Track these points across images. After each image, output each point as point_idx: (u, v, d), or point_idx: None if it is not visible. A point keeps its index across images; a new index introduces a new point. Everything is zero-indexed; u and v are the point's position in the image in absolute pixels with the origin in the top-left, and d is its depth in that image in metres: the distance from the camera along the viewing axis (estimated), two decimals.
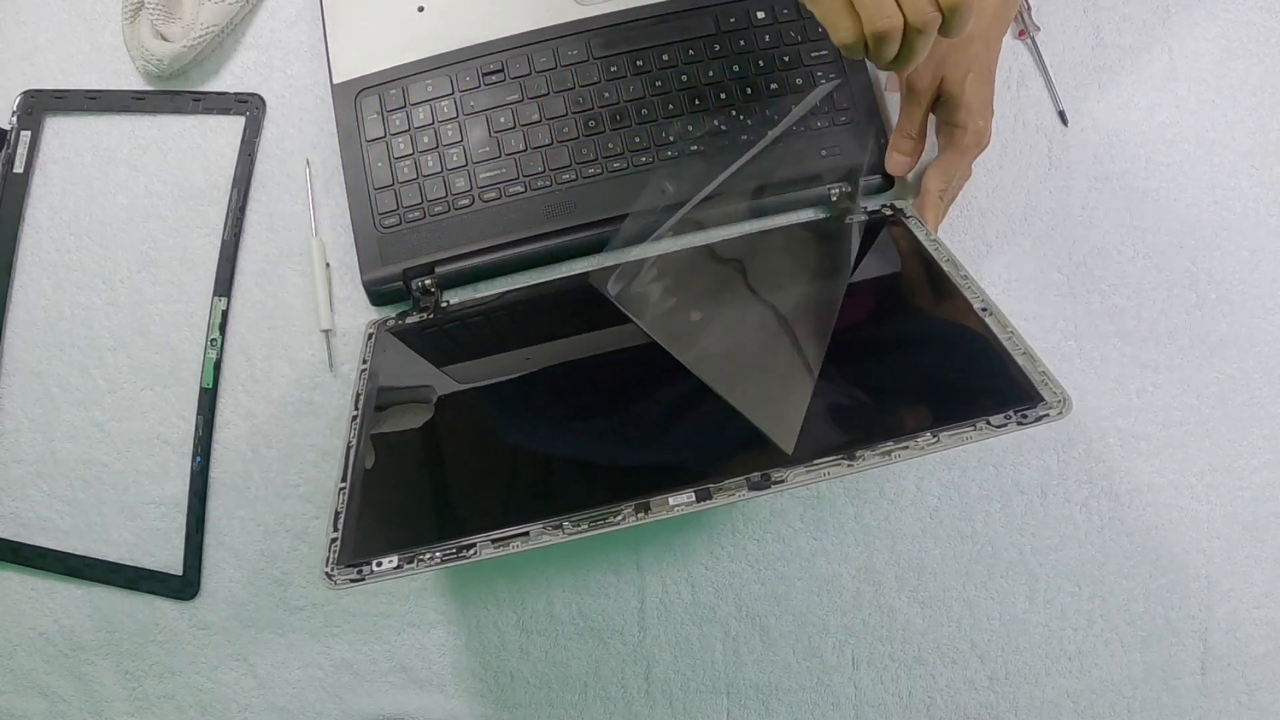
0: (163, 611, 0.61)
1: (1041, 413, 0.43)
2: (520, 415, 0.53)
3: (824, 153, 0.59)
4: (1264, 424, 0.61)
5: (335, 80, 0.61)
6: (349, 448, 0.51)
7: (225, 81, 0.64)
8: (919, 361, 0.51)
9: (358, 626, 0.61)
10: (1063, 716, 0.60)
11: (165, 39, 0.62)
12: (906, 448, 0.42)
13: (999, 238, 0.62)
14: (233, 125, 0.64)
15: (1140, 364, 0.61)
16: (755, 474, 0.42)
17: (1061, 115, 0.63)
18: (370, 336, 0.59)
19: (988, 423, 0.43)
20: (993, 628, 0.60)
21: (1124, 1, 0.63)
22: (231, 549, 0.61)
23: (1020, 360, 0.46)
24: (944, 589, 0.60)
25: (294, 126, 0.64)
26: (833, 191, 0.60)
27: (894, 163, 0.58)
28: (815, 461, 0.42)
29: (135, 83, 0.64)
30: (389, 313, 0.61)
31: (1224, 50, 0.63)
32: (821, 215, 0.61)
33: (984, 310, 0.50)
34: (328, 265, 0.62)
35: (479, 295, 0.61)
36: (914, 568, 0.60)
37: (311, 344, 0.62)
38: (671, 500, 0.42)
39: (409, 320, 0.60)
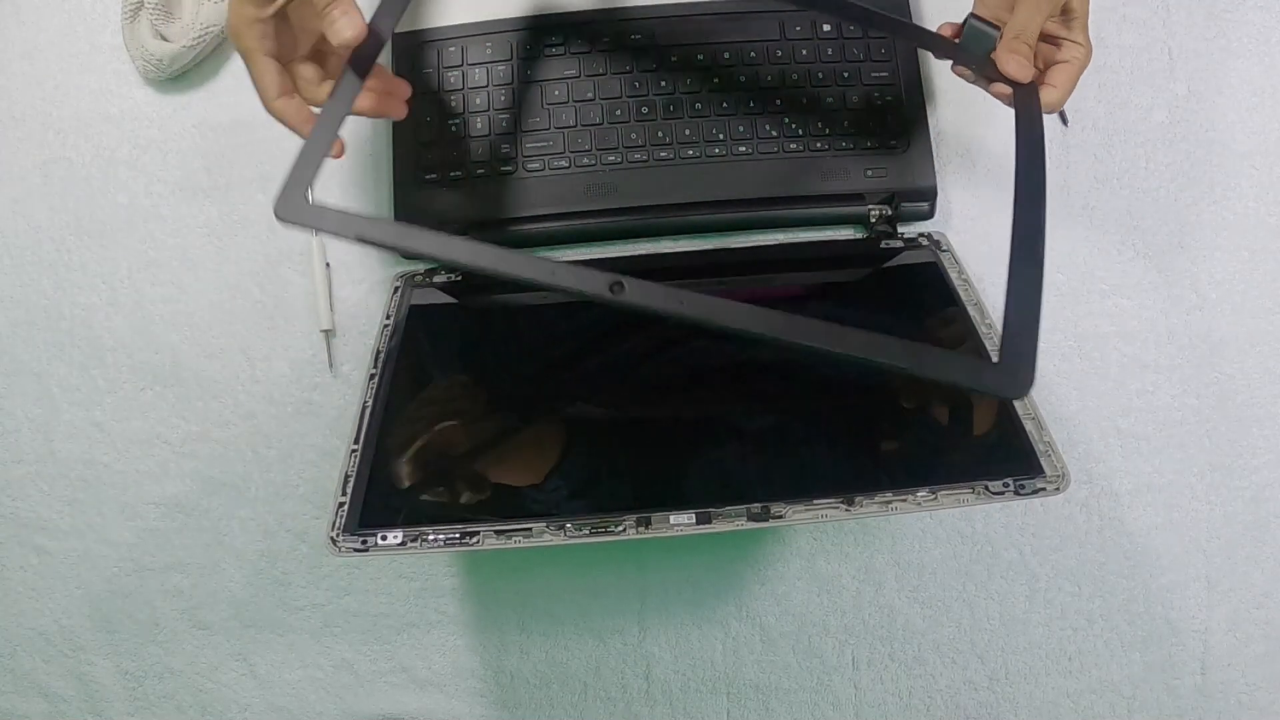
0: (163, 611, 0.61)
1: (1039, 485, 0.44)
2: (537, 404, 0.53)
3: (869, 172, 0.59)
4: (1264, 424, 0.61)
5: (396, 29, 0.61)
6: (365, 408, 0.50)
7: (225, 82, 0.64)
8: (926, 408, 0.51)
9: (358, 626, 0.61)
10: (1063, 716, 0.60)
11: (165, 39, 0.62)
12: (905, 501, 0.44)
13: (1000, 238, 0.61)
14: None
15: (1140, 364, 0.61)
16: (756, 505, 0.44)
17: (1061, 115, 0.63)
18: (396, 289, 0.59)
19: (986, 488, 0.44)
20: (993, 628, 0.60)
21: (1124, 2, 0.63)
22: (231, 549, 0.61)
23: (1028, 426, 0.47)
24: (944, 589, 0.60)
25: None
26: (873, 213, 0.60)
27: (1020, 67, 0.48)
28: (815, 502, 0.44)
29: (135, 83, 0.64)
30: (418, 267, 0.61)
31: (1224, 50, 0.63)
32: (857, 235, 0.61)
33: None
34: (328, 265, 0.62)
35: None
36: (914, 568, 0.60)
37: (311, 344, 0.62)
38: (673, 519, 0.44)
39: (436, 279, 0.60)
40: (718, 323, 0.36)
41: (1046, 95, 0.49)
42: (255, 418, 0.61)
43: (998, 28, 0.49)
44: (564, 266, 0.37)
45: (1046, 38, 0.50)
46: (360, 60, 0.45)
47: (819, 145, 0.59)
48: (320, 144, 0.42)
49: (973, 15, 0.50)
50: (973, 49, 0.50)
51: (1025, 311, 0.38)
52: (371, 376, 0.52)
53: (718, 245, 0.61)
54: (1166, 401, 0.60)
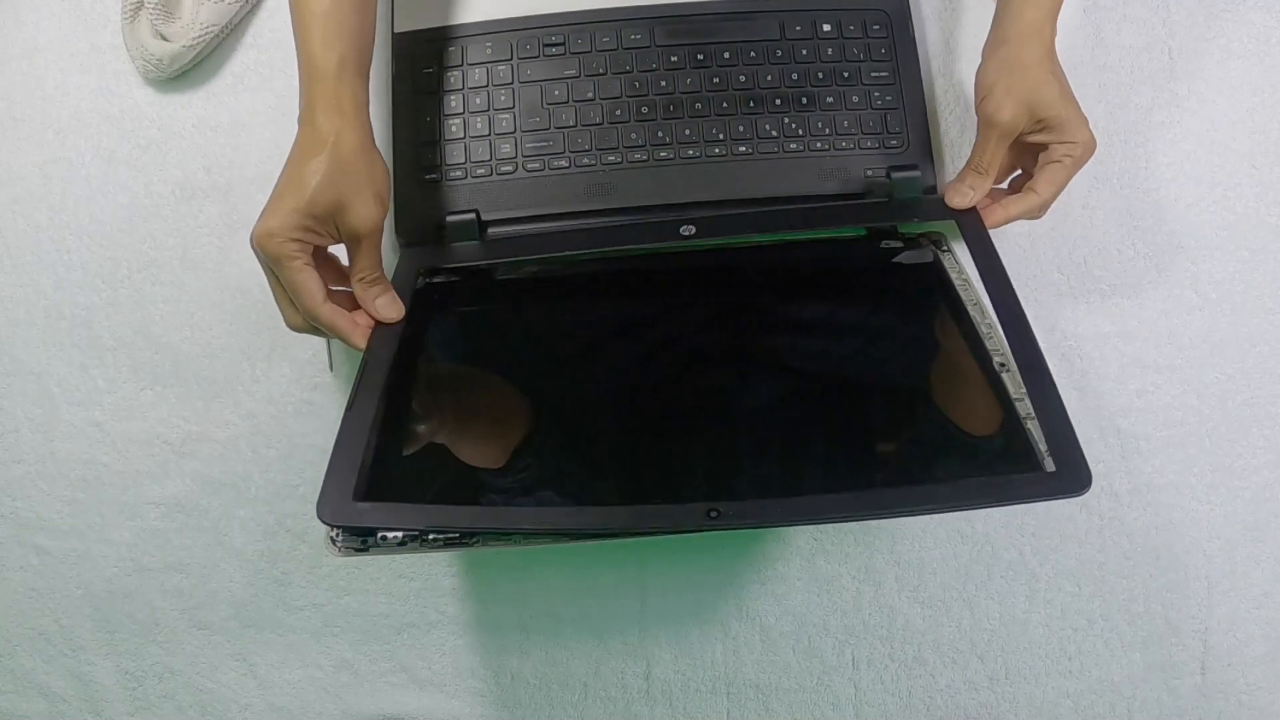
0: (163, 611, 0.61)
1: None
2: (534, 404, 0.53)
3: (869, 172, 0.59)
4: (1264, 424, 0.61)
5: (396, 29, 0.61)
6: None
7: (225, 82, 0.64)
8: (928, 409, 0.51)
9: (358, 626, 0.61)
10: (1063, 716, 0.60)
11: (165, 39, 0.62)
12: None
13: (999, 238, 0.61)
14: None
15: (1140, 364, 0.61)
16: None
17: None
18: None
19: None
20: (993, 628, 0.60)
21: (1124, 2, 0.63)
22: (231, 549, 0.61)
23: (1029, 426, 0.47)
24: (944, 589, 0.60)
25: (293, 126, 0.64)
26: None
27: (960, 196, 0.54)
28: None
29: (135, 83, 0.64)
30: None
31: (1224, 50, 0.63)
32: (858, 234, 0.61)
33: (1001, 366, 0.50)
34: None
35: (509, 262, 0.60)
36: (914, 568, 0.60)
37: (312, 344, 0.62)
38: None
39: (436, 279, 0.59)
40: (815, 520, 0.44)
41: (1027, 200, 0.53)
42: (255, 418, 0.61)
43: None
44: (651, 510, 0.41)
45: (1037, 146, 0.53)
46: (388, 338, 0.49)
47: (819, 145, 0.60)
48: (356, 438, 0.45)
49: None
50: (905, 195, 0.56)
51: (1056, 421, 0.43)
52: None
53: (718, 245, 0.61)
54: (1166, 401, 0.60)
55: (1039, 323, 0.61)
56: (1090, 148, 0.52)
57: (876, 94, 0.60)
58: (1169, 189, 0.62)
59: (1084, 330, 0.61)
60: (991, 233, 0.62)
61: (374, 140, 0.50)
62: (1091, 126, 0.62)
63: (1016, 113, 0.51)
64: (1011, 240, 0.62)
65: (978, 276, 0.53)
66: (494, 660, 0.61)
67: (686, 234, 0.54)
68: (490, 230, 0.59)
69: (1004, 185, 0.57)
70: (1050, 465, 0.44)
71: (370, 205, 0.48)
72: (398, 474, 0.48)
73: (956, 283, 0.55)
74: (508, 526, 0.44)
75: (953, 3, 0.63)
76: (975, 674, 0.60)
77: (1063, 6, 0.55)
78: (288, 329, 0.50)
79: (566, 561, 0.60)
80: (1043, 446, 0.46)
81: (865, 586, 0.60)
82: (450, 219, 0.56)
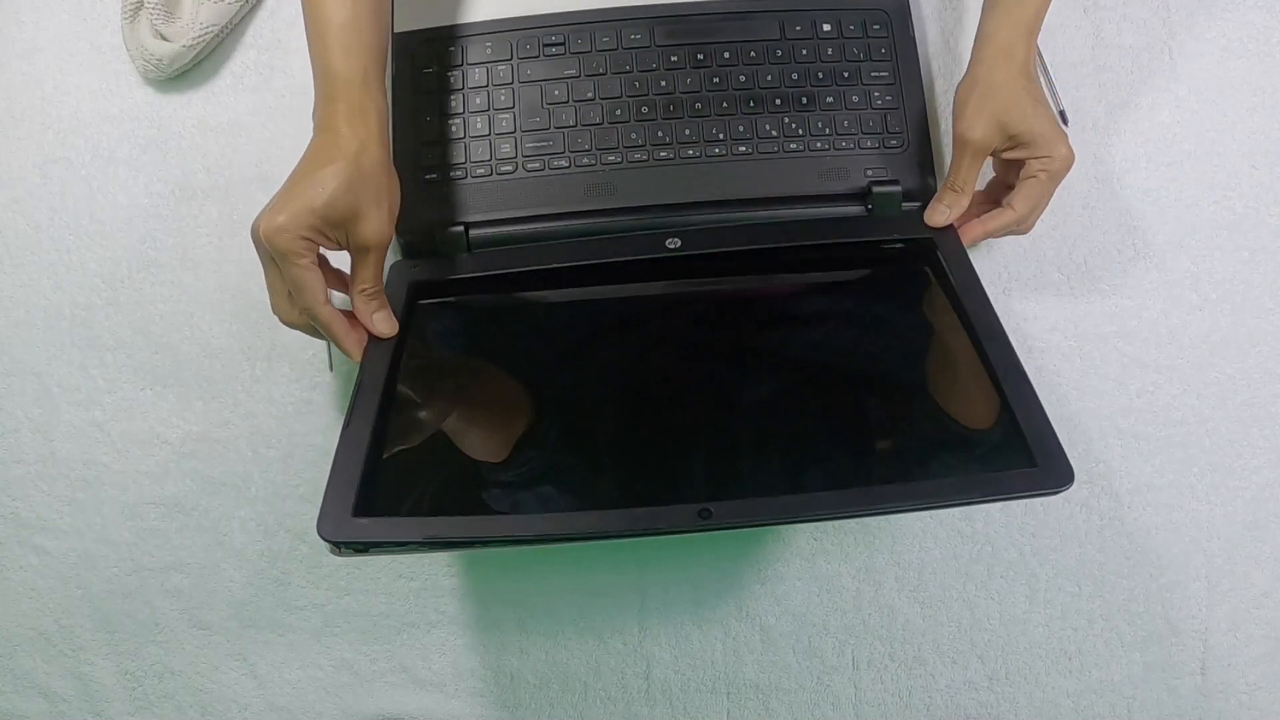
0: (163, 611, 0.61)
1: None
2: (537, 403, 0.53)
3: (869, 172, 0.59)
4: (1264, 424, 0.61)
5: (396, 29, 0.61)
6: None
7: (225, 81, 0.64)
8: (925, 409, 0.51)
9: (358, 626, 0.61)
10: (1063, 716, 0.61)
11: (165, 39, 0.62)
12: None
13: (999, 238, 0.62)
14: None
15: (1140, 364, 0.61)
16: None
17: (1061, 115, 0.63)
18: None
19: None
20: (993, 628, 0.60)
21: (1124, 1, 0.63)
22: (231, 549, 0.61)
23: None
24: (944, 589, 0.60)
25: (293, 126, 0.64)
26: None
27: (937, 215, 0.56)
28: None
29: (135, 83, 0.64)
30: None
31: (1224, 50, 0.63)
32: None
33: None
34: None
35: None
36: (914, 568, 0.60)
37: (311, 344, 0.62)
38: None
39: (428, 290, 0.59)
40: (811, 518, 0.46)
41: (1004, 216, 0.54)
42: (255, 418, 0.61)
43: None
44: (643, 513, 0.42)
45: (1014, 163, 0.54)
46: (383, 353, 0.51)
47: (819, 145, 0.60)
48: (354, 454, 0.46)
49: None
50: (884, 209, 0.57)
51: (1036, 420, 0.45)
52: None
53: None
54: (1166, 401, 0.60)
55: (1038, 323, 0.61)
56: (1068, 162, 0.52)
57: (876, 94, 0.60)
58: (1169, 189, 0.62)
59: (1084, 330, 0.61)
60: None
61: (391, 157, 0.50)
62: (1091, 126, 0.63)
63: (988, 131, 0.52)
64: (1012, 240, 0.62)
65: (959, 288, 0.54)
66: (494, 660, 0.61)
67: (673, 247, 0.55)
68: (483, 235, 0.58)
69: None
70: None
71: (383, 219, 0.49)
72: (396, 486, 0.48)
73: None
74: (502, 535, 0.45)
75: (953, 3, 0.63)
76: (975, 674, 0.60)
77: (1061, 9, 0.55)
78: (280, 322, 0.50)
79: (566, 561, 0.60)
80: None
81: (865, 586, 0.60)
82: (439, 234, 0.56)
